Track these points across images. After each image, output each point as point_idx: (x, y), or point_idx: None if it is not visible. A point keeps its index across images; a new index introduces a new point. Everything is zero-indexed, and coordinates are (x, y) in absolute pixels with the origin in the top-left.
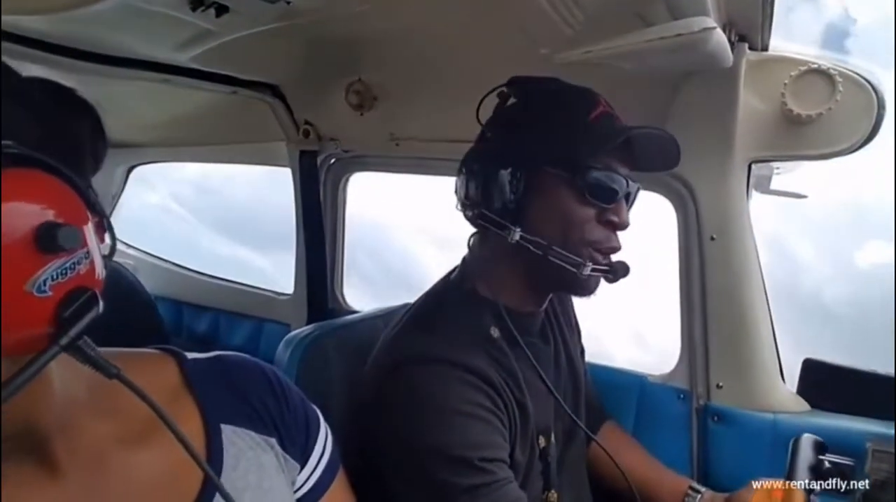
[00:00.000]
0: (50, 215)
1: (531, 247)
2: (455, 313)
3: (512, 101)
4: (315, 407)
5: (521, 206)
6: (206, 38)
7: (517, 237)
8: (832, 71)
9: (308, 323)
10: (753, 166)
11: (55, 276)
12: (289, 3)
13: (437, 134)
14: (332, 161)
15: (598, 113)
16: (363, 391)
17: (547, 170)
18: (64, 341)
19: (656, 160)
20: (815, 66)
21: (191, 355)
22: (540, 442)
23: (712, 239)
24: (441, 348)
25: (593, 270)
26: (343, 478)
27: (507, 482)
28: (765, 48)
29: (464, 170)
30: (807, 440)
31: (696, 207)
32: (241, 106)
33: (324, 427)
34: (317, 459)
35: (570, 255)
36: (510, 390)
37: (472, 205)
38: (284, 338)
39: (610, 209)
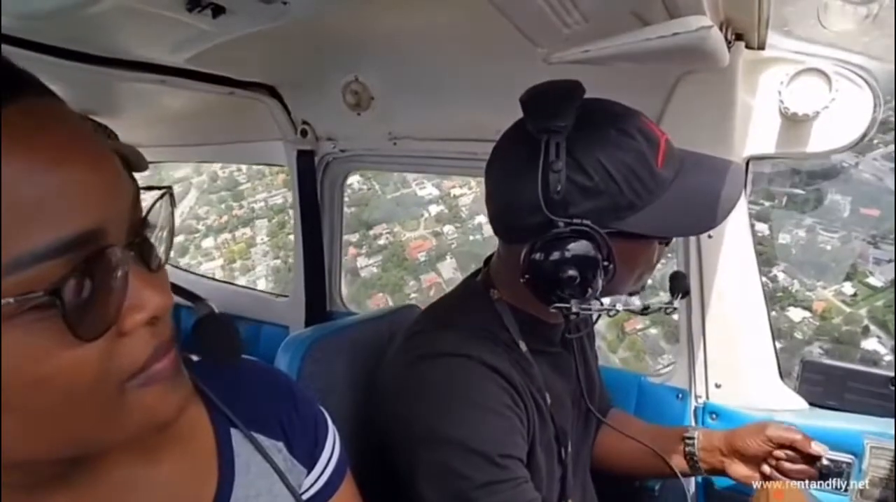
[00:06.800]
0: None
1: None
2: (479, 317)
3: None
4: (324, 411)
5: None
6: (202, 38)
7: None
8: (828, 69)
9: (307, 325)
10: (751, 164)
11: None
12: (285, 3)
13: (434, 132)
14: (330, 160)
15: (662, 153)
16: (380, 385)
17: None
18: None
19: None
20: (812, 65)
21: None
22: (559, 448)
23: (709, 237)
24: (465, 345)
25: (667, 301)
26: (351, 482)
27: (523, 481)
28: (761, 47)
29: (537, 251)
30: None
31: None
32: (238, 106)
33: (332, 431)
34: (324, 463)
35: (663, 305)
36: (531, 394)
37: (562, 296)
38: (284, 341)
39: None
